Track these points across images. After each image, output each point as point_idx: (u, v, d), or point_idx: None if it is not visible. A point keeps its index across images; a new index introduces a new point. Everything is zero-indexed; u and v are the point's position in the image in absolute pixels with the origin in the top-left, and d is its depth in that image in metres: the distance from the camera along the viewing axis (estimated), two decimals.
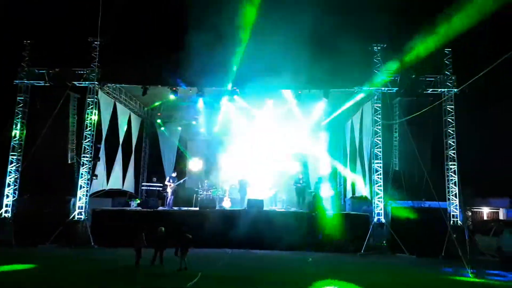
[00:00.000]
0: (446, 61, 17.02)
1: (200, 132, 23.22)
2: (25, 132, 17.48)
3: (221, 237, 16.19)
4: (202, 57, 16.08)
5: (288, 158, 22.38)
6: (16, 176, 17.17)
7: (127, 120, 20.81)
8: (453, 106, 16.94)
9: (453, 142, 16.79)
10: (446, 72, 16.95)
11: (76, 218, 16.45)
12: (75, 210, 16.55)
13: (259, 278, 11.09)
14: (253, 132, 22.17)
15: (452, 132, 16.84)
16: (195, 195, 19.88)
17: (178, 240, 11.74)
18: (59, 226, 16.02)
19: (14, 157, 17.20)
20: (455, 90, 16.70)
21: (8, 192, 16.98)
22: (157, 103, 21.06)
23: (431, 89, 17.01)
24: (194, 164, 23.15)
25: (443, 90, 16.95)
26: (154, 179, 21.01)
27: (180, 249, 11.57)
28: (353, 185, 20.76)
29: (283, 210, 18.95)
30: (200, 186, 20.07)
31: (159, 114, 22.66)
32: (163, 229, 12.52)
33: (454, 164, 16.68)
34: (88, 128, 17.08)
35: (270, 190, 20.25)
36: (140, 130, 22.92)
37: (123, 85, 18.71)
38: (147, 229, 12.86)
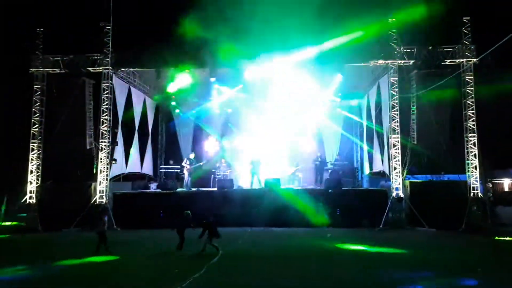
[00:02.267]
0: (464, 30, 16.50)
1: (215, 113, 23.21)
2: (44, 119, 17.78)
3: (240, 216, 16.35)
4: (213, 37, 15.97)
5: (305, 136, 22.32)
6: (38, 163, 17.57)
7: (142, 104, 20.94)
8: (472, 77, 16.52)
9: (473, 113, 16.43)
10: (465, 41, 16.45)
11: (97, 202, 16.83)
12: (96, 194, 16.92)
13: (278, 255, 11.21)
14: (269, 111, 22.07)
15: (471, 103, 16.47)
16: (212, 175, 20.07)
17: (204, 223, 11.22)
18: (82, 210, 16.40)
19: (35, 144, 17.57)
20: (475, 60, 16.23)
21: (31, 179, 17.42)
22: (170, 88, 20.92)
23: (449, 60, 16.58)
24: (211, 145, 23.27)
25: (461, 60, 16.50)
26: (171, 161, 21.26)
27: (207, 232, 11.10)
28: (370, 161, 20.62)
29: (300, 188, 19.01)
30: (217, 167, 20.24)
31: (173, 97, 22.69)
32: (189, 212, 11.88)
33: (473, 136, 16.37)
34: (105, 114, 17.26)
35: (288, 169, 20.28)
36: (156, 114, 23.07)
37: (136, 69, 18.76)
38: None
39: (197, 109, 23.37)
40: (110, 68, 17.26)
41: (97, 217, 12.02)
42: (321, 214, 16.43)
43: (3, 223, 16.71)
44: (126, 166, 19.57)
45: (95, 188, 17.06)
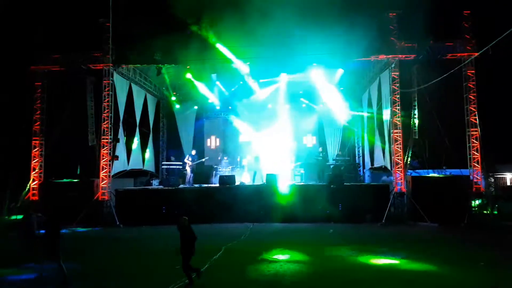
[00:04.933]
0: (465, 25, 16.43)
1: (216, 109, 23.26)
2: (45, 117, 17.81)
3: (242, 212, 16.40)
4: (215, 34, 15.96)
5: (307, 132, 22.38)
6: (40, 160, 17.62)
7: (143, 101, 20.95)
8: (473, 71, 16.48)
9: (474, 108, 16.41)
10: (466, 36, 16.39)
11: (100, 199, 16.88)
12: (98, 191, 16.96)
13: (280, 251, 11.25)
14: (270, 106, 22.15)
15: (473, 98, 16.44)
16: (214, 172, 20.12)
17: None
18: (85, 207, 16.44)
19: (37, 141, 17.62)
20: (476, 54, 16.15)
21: (34, 176, 17.48)
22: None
23: (450, 54, 16.53)
24: (212, 142, 23.35)
25: (463, 54, 16.45)
26: (173, 158, 21.31)
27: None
28: (371, 156, 20.63)
29: (302, 183, 19.03)
30: (219, 163, 20.31)
31: (174, 93, 22.72)
32: None
33: (475, 130, 16.36)
34: (106, 110, 17.27)
35: (289, 164, 20.29)
36: (157, 110, 23.10)
37: (137, 65, 18.75)
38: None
39: (199, 105, 23.44)
40: (111, 65, 17.25)
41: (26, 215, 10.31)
42: (323, 209, 16.46)
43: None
44: (128, 163, 19.62)
45: (97, 185, 17.11)
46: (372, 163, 20.62)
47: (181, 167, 20.16)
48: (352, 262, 9.98)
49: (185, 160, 19.53)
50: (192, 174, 19.19)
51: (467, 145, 16.51)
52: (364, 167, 22.26)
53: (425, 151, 17.33)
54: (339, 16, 15.29)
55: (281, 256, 10.55)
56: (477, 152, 16.32)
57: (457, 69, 16.23)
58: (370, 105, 20.30)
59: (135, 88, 19.74)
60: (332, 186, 17.08)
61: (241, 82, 20.68)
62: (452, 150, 16.05)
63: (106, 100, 17.28)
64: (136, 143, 20.49)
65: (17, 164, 18.35)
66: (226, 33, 15.72)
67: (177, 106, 23.42)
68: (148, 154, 22.04)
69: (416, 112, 17.74)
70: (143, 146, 21.48)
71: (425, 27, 16.13)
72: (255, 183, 18.83)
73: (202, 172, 20.05)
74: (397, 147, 16.57)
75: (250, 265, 9.67)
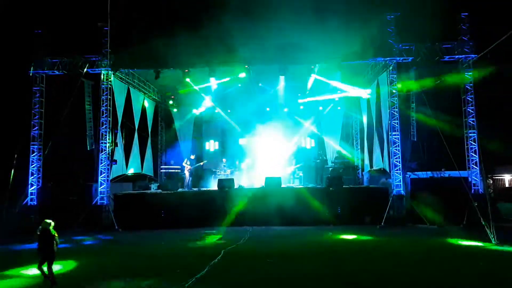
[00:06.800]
0: (463, 27, 16.50)
1: (215, 113, 23.27)
2: (44, 121, 17.78)
3: (241, 215, 16.38)
4: (213, 37, 15.97)
5: (305, 134, 22.38)
6: (38, 165, 17.57)
7: (142, 104, 20.95)
8: (471, 73, 16.53)
9: (472, 110, 16.44)
10: (464, 38, 16.45)
11: (98, 203, 16.84)
12: (97, 195, 16.92)
13: (280, 253, 11.23)
14: (268, 110, 22.18)
15: (471, 100, 16.48)
16: (213, 175, 20.10)
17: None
18: (83, 211, 16.39)
19: (35, 146, 17.57)
20: (474, 56, 16.23)
21: (32, 181, 17.43)
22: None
23: (448, 57, 16.57)
24: (211, 145, 23.35)
25: (460, 57, 16.50)
26: (172, 162, 21.30)
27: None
28: (370, 158, 20.64)
29: (301, 186, 19.02)
30: (218, 167, 20.29)
31: (172, 97, 22.72)
32: None
33: (473, 132, 16.38)
34: (104, 115, 17.26)
35: (288, 167, 20.30)
36: (155, 114, 23.10)
37: (135, 69, 18.74)
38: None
39: (197, 109, 23.44)
40: (109, 69, 17.26)
41: None
42: (322, 212, 16.45)
43: None
44: (127, 167, 19.59)
45: (96, 189, 17.06)
46: (371, 165, 20.63)
47: (179, 171, 20.13)
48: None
49: (184, 164, 19.51)
50: (190, 178, 19.17)
51: (466, 146, 16.55)
52: (363, 170, 22.26)
53: (424, 153, 17.33)
54: (337, 19, 15.34)
55: (280, 258, 10.54)
56: (475, 153, 16.33)
57: (455, 71, 16.33)
58: (368, 107, 20.33)
59: (133, 92, 19.75)
60: (331, 189, 17.08)
61: (240, 85, 20.68)
62: (451, 152, 16.04)
63: (104, 104, 17.27)
64: (134, 147, 20.48)
65: (15, 168, 18.27)
66: (225, 35, 15.72)
67: (175, 110, 23.44)
68: (147, 158, 22.03)
69: (414, 114, 17.81)
70: (142, 150, 21.46)
71: (423, 29, 16.20)
72: (254, 187, 18.81)
73: (200, 176, 20.00)
74: (396, 149, 16.58)
75: (249, 268, 9.65)
